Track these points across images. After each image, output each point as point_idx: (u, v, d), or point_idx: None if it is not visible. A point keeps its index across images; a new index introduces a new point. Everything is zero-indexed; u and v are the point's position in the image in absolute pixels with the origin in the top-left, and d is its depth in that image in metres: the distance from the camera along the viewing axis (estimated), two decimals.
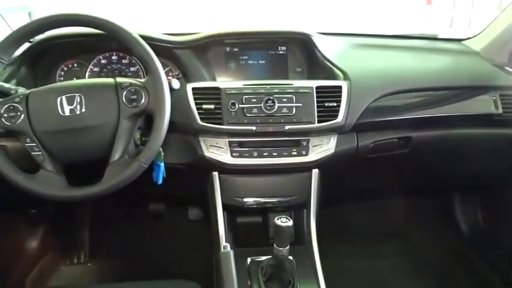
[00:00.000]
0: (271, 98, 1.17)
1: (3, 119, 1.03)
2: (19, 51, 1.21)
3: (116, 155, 1.05)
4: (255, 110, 1.17)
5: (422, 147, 1.33)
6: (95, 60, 1.38)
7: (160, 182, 1.17)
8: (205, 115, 1.16)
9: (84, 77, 1.37)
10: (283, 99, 1.17)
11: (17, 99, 1.05)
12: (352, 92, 1.20)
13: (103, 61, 1.38)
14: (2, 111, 1.03)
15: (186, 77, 1.35)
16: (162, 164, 1.15)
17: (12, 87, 1.13)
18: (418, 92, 1.31)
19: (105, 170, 1.04)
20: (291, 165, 1.20)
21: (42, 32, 1.12)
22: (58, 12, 1.06)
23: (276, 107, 1.16)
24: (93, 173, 1.08)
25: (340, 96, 1.19)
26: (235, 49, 1.40)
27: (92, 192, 1.03)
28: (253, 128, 1.16)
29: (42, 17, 1.06)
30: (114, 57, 1.39)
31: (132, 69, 1.39)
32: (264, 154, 1.19)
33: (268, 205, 1.25)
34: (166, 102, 1.05)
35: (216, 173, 1.23)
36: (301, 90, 1.19)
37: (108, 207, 1.76)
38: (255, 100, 1.17)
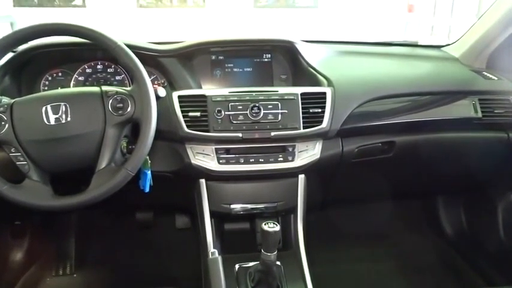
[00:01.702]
0: (257, 104, 1.18)
1: None
2: (2, 61, 1.20)
3: (103, 164, 1.05)
4: (241, 117, 1.17)
5: (406, 151, 1.36)
6: (79, 69, 1.38)
7: (147, 190, 1.16)
8: (192, 123, 1.17)
9: (69, 86, 1.37)
10: (269, 106, 1.19)
11: (1, 109, 1.03)
12: (336, 98, 1.22)
13: (88, 70, 1.38)
14: None
15: (171, 85, 1.35)
16: (149, 172, 1.15)
17: None
18: (401, 97, 1.34)
19: (92, 178, 1.04)
20: (278, 171, 1.21)
21: (27, 41, 1.12)
22: (42, 22, 1.06)
23: (261, 114, 1.18)
24: (79, 182, 1.08)
25: (324, 103, 1.21)
26: (221, 57, 1.42)
27: (79, 201, 1.02)
28: (240, 134, 1.17)
29: (26, 27, 1.05)
30: (99, 66, 1.39)
31: (117, 77, 1.39)
32: (251, 160, 1.20)
33: (255, 211, 1.26)
34: (153, 110, 1.05)
35: (203, 180, 1.23)
36: (286, 97, 1.20)
37: (95, 217, 1.75)
38: (240, 107, 1.18)
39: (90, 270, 1.76)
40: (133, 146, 1.09)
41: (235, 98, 1.19)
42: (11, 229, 1.62)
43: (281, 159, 1.21)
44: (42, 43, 1.27)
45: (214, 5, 6.20)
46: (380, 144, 1.32)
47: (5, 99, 1.12)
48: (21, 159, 1.03)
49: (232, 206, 1.24)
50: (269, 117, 1.18)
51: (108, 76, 1.38)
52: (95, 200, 1.02)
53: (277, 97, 1.20)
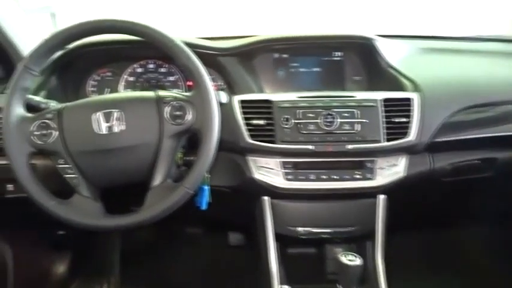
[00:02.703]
0: (331, 112, 1.10)
1: (34, 138, 0.99)
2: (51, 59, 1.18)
3: (158, 179, 1.00)
4: (311, 127, 1.10)
5: (510, 170, 1.23)
6: (129, 69, 1.35)
7: (204, 207, 1.12)
8: (255, 132, 1.11)
9: (117, 87, 1.35)
10: (345, 114, 1.11)
11: (49, 115, 1.01)
12: (425, 106, 1.12)
13: (138, 70, 1.36)
14: (34, 128, 0.99)
15: (230, 87, 1.30)
16: (207, 188, 1.11)
17: (43, 100, 1.11)
18: (504, 105, 1.21)
19: (146, 196, 1.00)
20: (354, 190, 1.13)
21: (77, 39, 1.08)
22: (94, 19, 1.03)
23: (336, 123, 1.10)
24: (128, 199, 1.04)
25: (410, 111, 1.12)
26: (285, 55, 1.35)
27: (133, 221, 0.98)
28: (311, 147, 1.10)
29: (77, 24, 1.02)
30: (150, 66, 1.36)
31: (170, 78, 1.35)
32: (322, 177, 1.13)
33: (324, 235, 1.18)
34: (215, 119, 0.99)
35: (266, 198, 1.17)
36: (365, 104, 1.12)
37: (141, 230, 1.73)
38: (312, 115, 1.11)
39: (135, 286, 1.75)
40: (190, 158, 1.06)
41: (305, 104, 1.12)
42: (53, 239, 1.63)
43: (358, 176, 1.12)
44: (91, 41, 1.25)
45: None
46: (478, 161, 1.20)
47: (52, 104, 1.10)
48: (70, 171, 1.01)
49: (300, 229, 1.17)
50: (345, 128, 1.10)
51: (160, 77, 1.35)
52: (151, 221, 0.98)
53: (354, 104, 1.12)
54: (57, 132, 1.00)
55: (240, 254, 1.66)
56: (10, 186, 1.17)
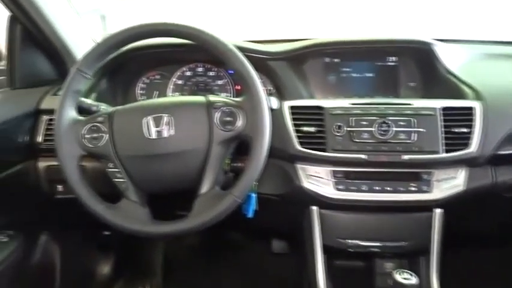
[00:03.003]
0: (386, 121, 1.06)
1: (85, 141, 1.00)
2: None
3: (205, 186, 0.99)
4: (365, 135, 1.06)
5: None
6: (178, 72, 1.35)
7: (250, 215, 1.10)
8: (305, 139, 1.08)
9: (165, 90, 1.35)
10: (401, 123, 1.06)
11: (100, 119, 1.02)
12: (487, 115, 1.06)
13: (187, 73, 1.35)
14: (85, 131, 1.01)
15: (280, 92, 1.27)
16: (255, 196, 1.09)
17: (94, 103, 1.12)
18: None
19: (194, 203, 0.98)
20: (409, 203, 1.08)
21: (130, 43, 1.08)
22: (148, 22, 1.03)
23: (391, 132, 1.06)
24: (177, 204, 1.03)
25: (471, 120, 1.06)
26: (336, 60, 1.31)
27: (181, 229, 0.97)
28: (364, 156, 1.06)
29: (130, 27, 1.02)
30: (199, 69, 1.35)
31: (219, 82, 1.34)
32: (376, 188, 1.08)
33: (374, 249, 1.14)
34: (267, 126, 0.97)
35: (315, 208, 1.14)
36: (422, 112, 1.07)
37: (184, 235, 1.74)
38: (365, 123, 1.07)
39: None
40: (237, 164, 1.04)
41: (359, 112, 1.08)
42: (99, 240, 1.66)
43: (414, 189, 1.07)
44: (145, 43, 1.26)
45: None
46: None
47: (103, 107, 1.11)
48: (119, 176, 1.01)
49: (349, 241, 1.13)
50: (400, 137, 1.06)
51: (209, 80, 1.35)
52: (198, 229, 0.97)
53: (411, 112, 1.07)
54: (107, 136, 1.00)
55: (283, 262, 1.63)
56: (60, 187, 1.20)
